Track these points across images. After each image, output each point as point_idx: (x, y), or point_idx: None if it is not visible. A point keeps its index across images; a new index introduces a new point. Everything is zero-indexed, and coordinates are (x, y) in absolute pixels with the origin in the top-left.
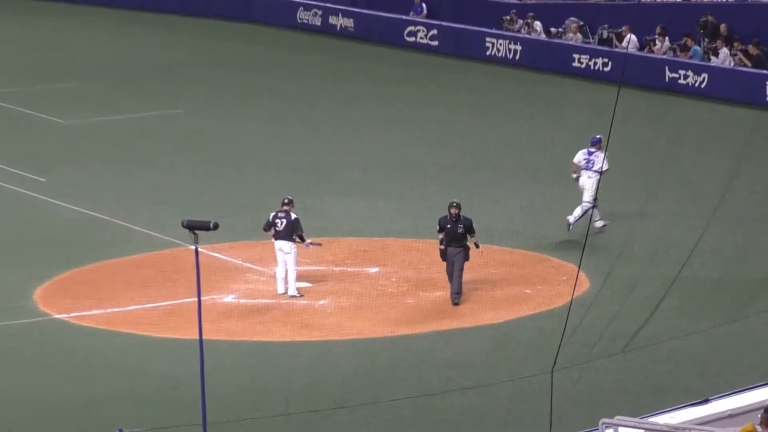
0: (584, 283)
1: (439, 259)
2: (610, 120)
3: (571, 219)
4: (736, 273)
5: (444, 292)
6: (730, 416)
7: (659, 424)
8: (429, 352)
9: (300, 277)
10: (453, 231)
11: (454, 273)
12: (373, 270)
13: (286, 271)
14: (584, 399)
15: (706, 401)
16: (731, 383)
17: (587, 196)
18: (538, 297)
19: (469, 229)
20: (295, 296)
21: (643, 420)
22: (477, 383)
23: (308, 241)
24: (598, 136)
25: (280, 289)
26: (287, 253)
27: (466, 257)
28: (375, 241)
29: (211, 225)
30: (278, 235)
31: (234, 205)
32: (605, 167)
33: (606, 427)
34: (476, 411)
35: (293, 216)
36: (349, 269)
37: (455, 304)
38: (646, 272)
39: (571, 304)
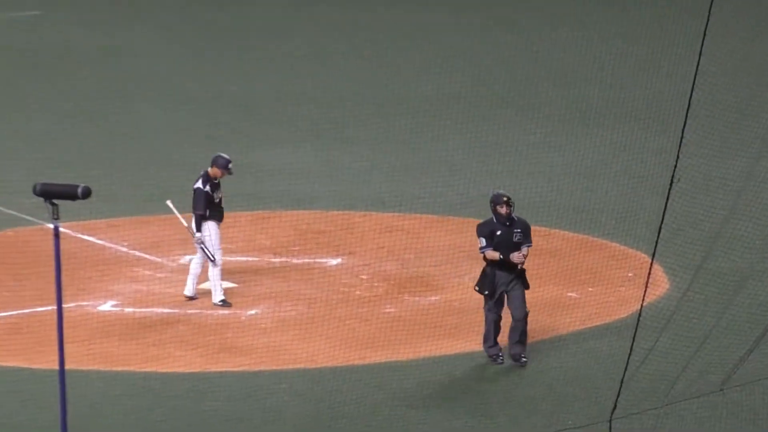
0: (661, 283)
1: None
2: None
3: None
4: None
5: (443, 296)
6: None
7: None
8: (419, 390)
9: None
10: (507, 240)
11: (513, 313)
12: (333, 262)
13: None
14: None
15: None
16: None
17: None
18: (588, 304)
19: (527, 236)
20: (220, 305)
21: None
22: None
23: (197, 235)
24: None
25: (188, 291)
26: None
27: (526, 285)
28: (336, 217)
29: (80, 191)
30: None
31: (116, 162)
32: None
33: None
34: None
35: (196, 185)
36: (296, 260)
37: (499, 363)
38: (759, 265)
39: (640, 315)
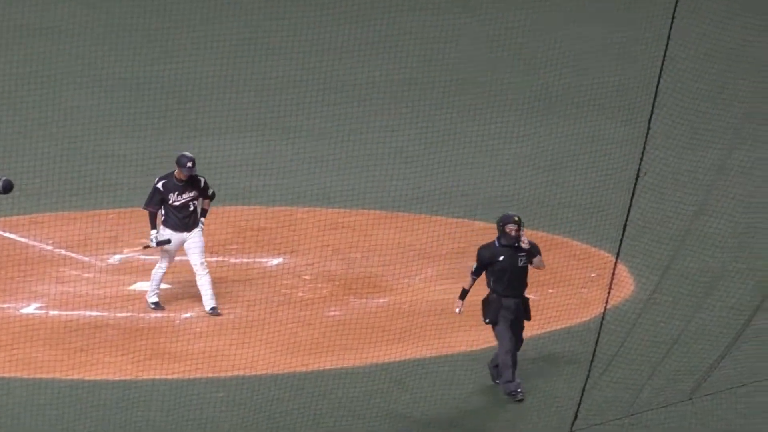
0: (626, 284)
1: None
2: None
3: None
4: None
5: (391, 298)
6: None
7: None
8: (365, 399)
9: (147, 274)
10: (512, 266)
11: (504, 338)
12: (274, 261)
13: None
14: None
15: None
16: None
17: None
18: (547, 306)
19: (532, 255)
20: (152, 307)
21: None
22: None
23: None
24: None
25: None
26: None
27: (527, 315)
28: (277, 213)
29: (0, 185)
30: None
31: (38, 153)
32: None
33: None
34: None
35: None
36: (234, 260)
37: (519, 399)
38: (731, 265)
39: (603, 318)
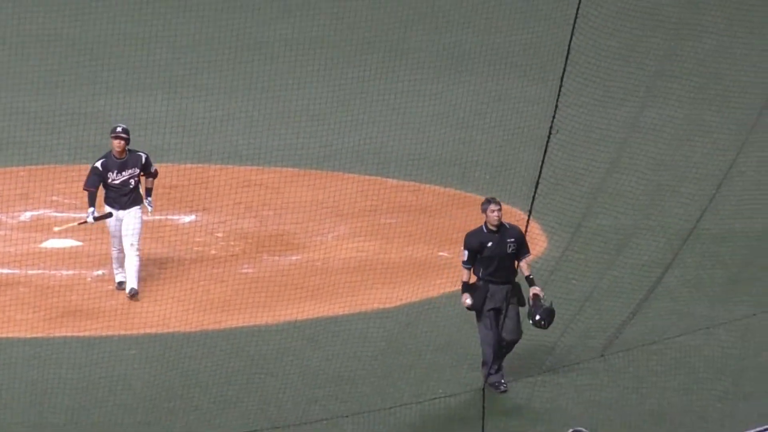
0: (539, 242)
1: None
2: None
3: None
4: None
5: (304, 256)
6: None
7: None
8: (278, 357)
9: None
10: (499, 252)
11: (502, 331)
12: (186, 219)
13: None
14: None
15: None
16: None
17: None
18: (459, 264)
19: (521, 247)
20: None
21: None
22: (362, 407)
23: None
24: None
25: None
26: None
27: (521, 302)
28: (189, 170)
29: None
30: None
31: None
32: None
33: None
34: None
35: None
36: (146, 217)
37: (502, 391)
38: (643, 222)
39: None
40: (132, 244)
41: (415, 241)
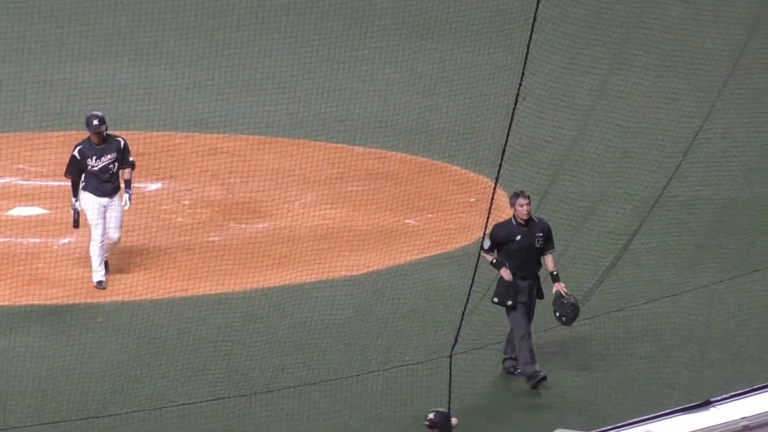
0: (505, 209)
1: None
2: None
3: None
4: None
5: (271, 223)
6: (746, 429)
7: None
8: (245, 325)
9: (24, 199)
10: (528, 246)
11: (520, 324)
12: (153, 186)
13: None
14: (506, 401)
15: (707, 405)
16: (750, 376)
17: None
18: (427, 231)
19: (548, 241)
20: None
21: None
22: (329, 375)
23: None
24: None
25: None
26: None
27: (540, 294)
28: (155, 138)
29: None
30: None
31: None
32: None
33: None
34: (323, 418)
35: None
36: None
37: (542, 378)
38: (609, 189)
39: (482, 243)
40: (119, 239)
41: (381, 208)
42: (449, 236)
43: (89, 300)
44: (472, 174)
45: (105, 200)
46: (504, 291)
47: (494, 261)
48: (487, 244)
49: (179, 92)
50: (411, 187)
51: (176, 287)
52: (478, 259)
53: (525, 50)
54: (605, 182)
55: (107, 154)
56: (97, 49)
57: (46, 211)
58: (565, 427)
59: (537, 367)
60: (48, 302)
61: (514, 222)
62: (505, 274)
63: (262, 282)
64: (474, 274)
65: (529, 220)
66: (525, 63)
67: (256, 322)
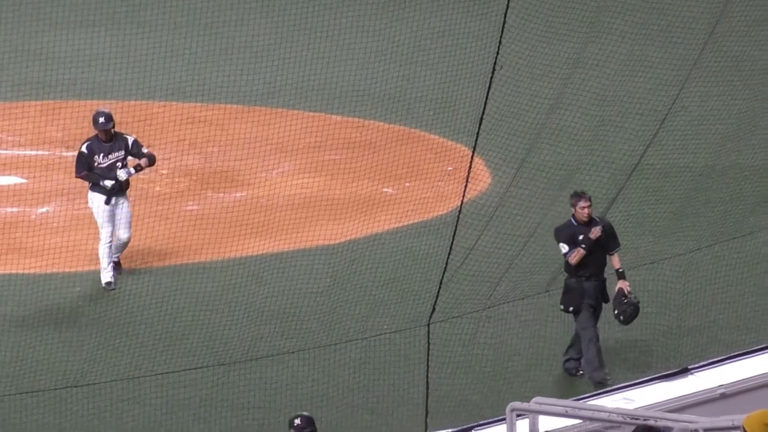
0: (483, 178)
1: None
2: None
3: None
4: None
5: (249, 192)
6: (723, 396)
7: (607, 410)
8: (223, 294)
9: (1, 168)
10: (591, 245)
11: (587, 327)
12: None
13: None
14: (481, 370)
15: (684, 372)
16: (727, 343)
17: None
18: (404, 200)
19: (612, 240)
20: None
21: (580, 403)
22: (307, 343)
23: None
24: None
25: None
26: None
27: (605, 297)
28: (132, 107)
29: None
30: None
31: None
32: None
33: (517, 415)
34: (301, 387)
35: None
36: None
37: (600, 381)
38: (586, 158)
39: (460, 212)
40: (129, 238)
41: (359, 177)
42: (427, 205)
43: (67, 269)
44: (449, 142)
45: (113, 199)
46: (569, 297)
47: (576, 251)
48: (565, 249)
49: (156, 61)
50: (388, 155)
51: (154, 257)
52: (455, 229)
53: (502, 18)
54: (583, 150)
55: (114, 152)
56: (74, 18)
57: (23, 181)
58: (544, 395)
59: (605, 372)
60: (26, 271)
61: (574, 222)
62: (578, 255)
63: (239, 251)
64: (452, 243)
65: (591, 221)
66: (502, 31)
67: (234, 291)
